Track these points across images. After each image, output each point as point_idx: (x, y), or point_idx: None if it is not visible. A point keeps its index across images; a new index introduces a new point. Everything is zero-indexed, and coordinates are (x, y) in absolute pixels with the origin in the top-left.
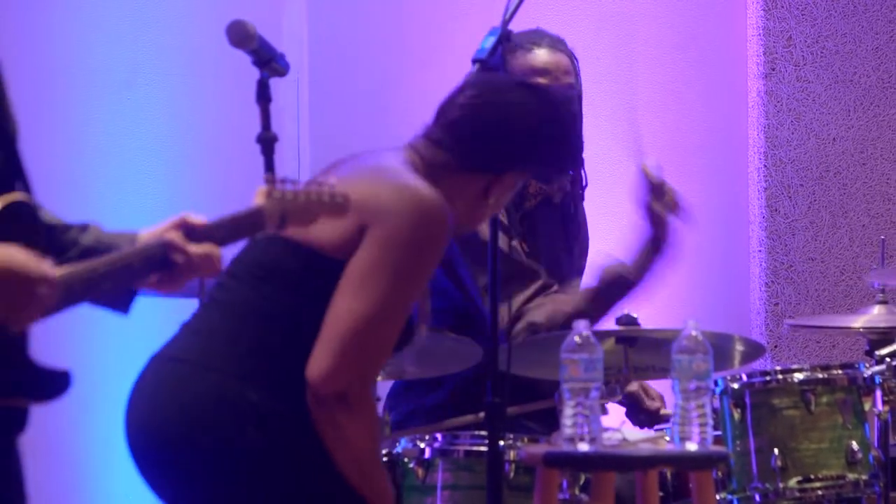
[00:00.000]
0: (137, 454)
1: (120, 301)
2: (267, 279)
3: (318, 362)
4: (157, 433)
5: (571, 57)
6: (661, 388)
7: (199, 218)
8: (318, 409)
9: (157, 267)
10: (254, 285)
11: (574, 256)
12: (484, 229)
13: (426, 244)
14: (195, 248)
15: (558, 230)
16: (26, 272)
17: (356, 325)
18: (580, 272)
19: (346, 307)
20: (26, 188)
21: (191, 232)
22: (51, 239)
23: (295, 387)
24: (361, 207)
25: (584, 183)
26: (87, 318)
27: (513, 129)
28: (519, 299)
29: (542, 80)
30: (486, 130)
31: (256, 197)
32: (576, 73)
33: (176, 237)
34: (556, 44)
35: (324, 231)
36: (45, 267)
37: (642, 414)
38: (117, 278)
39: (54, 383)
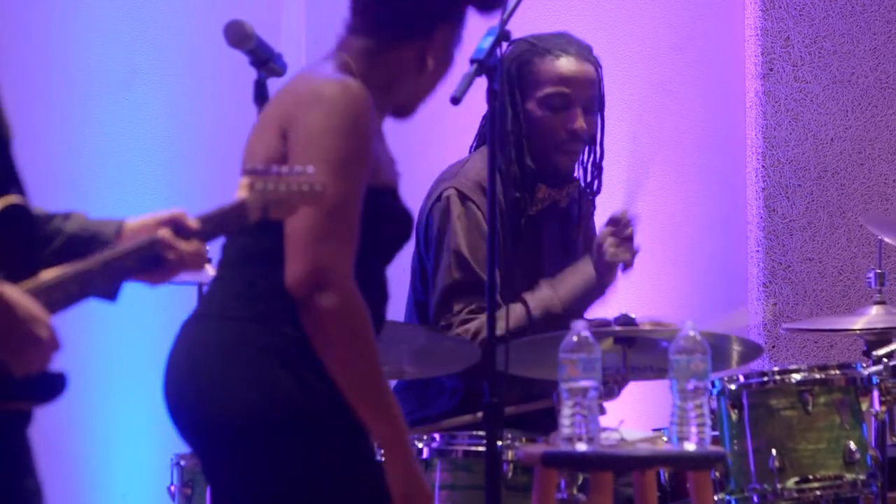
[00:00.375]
0: (179, 417)
1: (109, 291)
2: (254, 226)
3: (290, 269)
4: (193, 390)
5: (597, 65)
6: (660, 389)
7: (192, 220)
8: (306, 316)
9: (149, 264)
10: (247, 233)
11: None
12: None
13: (345, 121)
14: (185, 245)
15: (562, 235)
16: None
17: (311, 222)
18: None
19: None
20: (21, 192)
21: (180, 229)
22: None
23: None
24: (281, 118)
25: (596, 189)
26: (85, 317)
27: None
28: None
29: (564, 89)
30: None
31: (239, 189)
32: (599, 81)
33: (167, 234)
34: (584, 52)
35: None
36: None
37: None
38: (111, 275)
39: (51, 386)
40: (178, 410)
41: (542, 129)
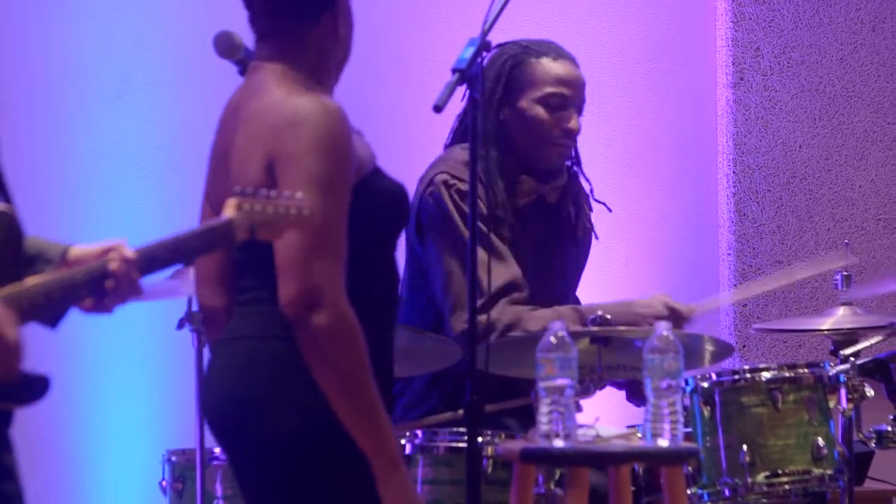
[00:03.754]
0: (225, 437)
1: (52, 317)
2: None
3: (283, 290)
4: (240, 410)
5: None
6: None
7: (130, 252)
8: (300, 335)
9: (96, 289)
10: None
11: (567, 260)
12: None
13: (326, 141)
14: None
15: (550, 231)
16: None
17: (301, 242)
18: (572, 278)
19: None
20: (7, 200)
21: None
22: None
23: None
24: (263, 149)
25: (589, 186)
26: (79, 316)
27: None
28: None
29: (564, 90)
30: None
31: (226, 209)
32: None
33: (115, 265)
34: (572, 57)
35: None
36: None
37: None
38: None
39: (35, 388)
40: (229, 429)
41: (537, 126)
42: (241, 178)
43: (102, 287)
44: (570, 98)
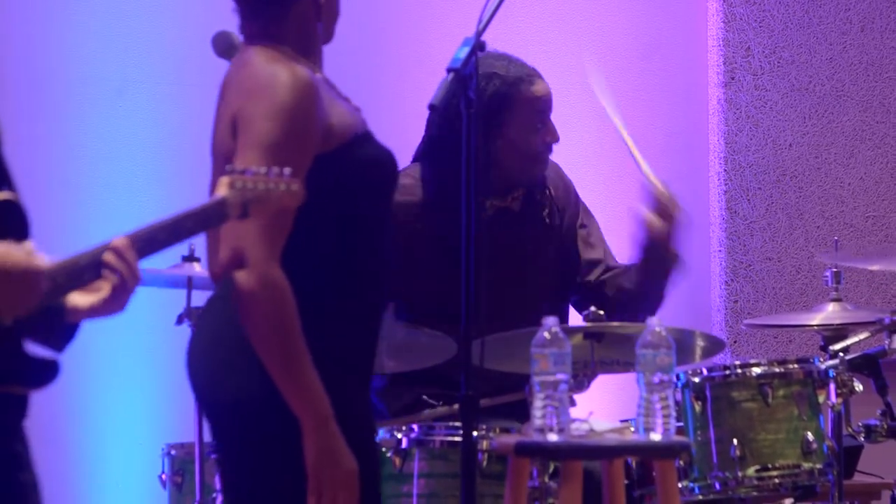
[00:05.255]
0: (203, 392)
1: (55, 337)
2: None
3: (217, 256)
4: (216, 369)
5: None
6: (627, 382)
7: (125, 243)
8: (237, 299)
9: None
10: None
11: (540, 263)
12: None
13: (278, 105)
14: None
15: (517, 239)
16: (25, 268)
17: None
18: (551, 276)
19: None
20: (11, 190)
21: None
22: None
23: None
24: (230, 113)
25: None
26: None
27: None
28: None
29: (543, 111)
30: None
31: (219, 188)
32: None
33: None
34: (536, 70)
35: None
36: (41, 262)
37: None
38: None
39: (45, 371)
40: (196, 389)
41: (523, 147)
42: (218, 146)
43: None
44: (547, 114)
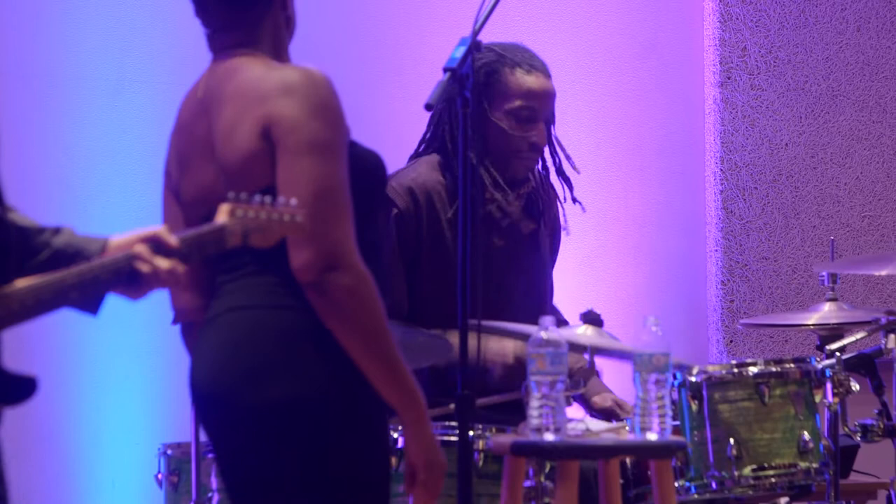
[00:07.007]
0: (218, 407)
1: (89, 304)
2: None
3: (298, 255)
4: (245, 378)
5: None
6: (624, 381)
7: (173, 238)
8: (320, 299)
9: (125, 279)
10: None
11: (527, 266)
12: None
13: (321, 104)
14: (161, 262)
15: (509, 240)
16: None
17: (311, 210)
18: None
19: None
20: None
21: (159, 246)
22: (23, 241)
23: None
24: (256, 117)
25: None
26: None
27: None
28: None
29: (534, 104)
30: None
31: (219, 214)
32: (555, 97)
33: (143, 250)
34: (545, 67)
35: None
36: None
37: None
38: (85, 288)
39: (22, 388)
40: (223, 397)
41: (505, 138)
42: (229, 155)
43: (131, 277)
44: (538, 111)
